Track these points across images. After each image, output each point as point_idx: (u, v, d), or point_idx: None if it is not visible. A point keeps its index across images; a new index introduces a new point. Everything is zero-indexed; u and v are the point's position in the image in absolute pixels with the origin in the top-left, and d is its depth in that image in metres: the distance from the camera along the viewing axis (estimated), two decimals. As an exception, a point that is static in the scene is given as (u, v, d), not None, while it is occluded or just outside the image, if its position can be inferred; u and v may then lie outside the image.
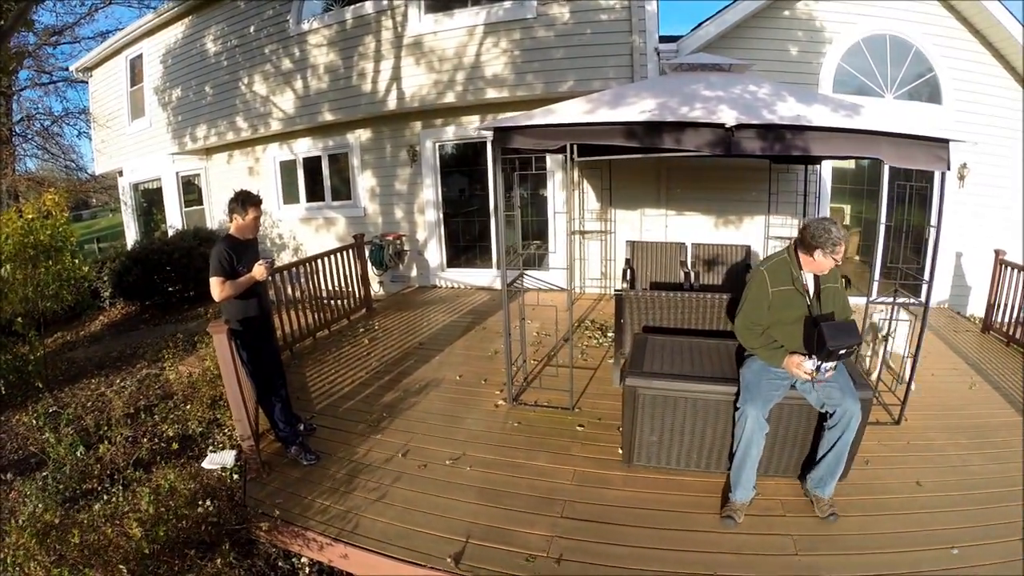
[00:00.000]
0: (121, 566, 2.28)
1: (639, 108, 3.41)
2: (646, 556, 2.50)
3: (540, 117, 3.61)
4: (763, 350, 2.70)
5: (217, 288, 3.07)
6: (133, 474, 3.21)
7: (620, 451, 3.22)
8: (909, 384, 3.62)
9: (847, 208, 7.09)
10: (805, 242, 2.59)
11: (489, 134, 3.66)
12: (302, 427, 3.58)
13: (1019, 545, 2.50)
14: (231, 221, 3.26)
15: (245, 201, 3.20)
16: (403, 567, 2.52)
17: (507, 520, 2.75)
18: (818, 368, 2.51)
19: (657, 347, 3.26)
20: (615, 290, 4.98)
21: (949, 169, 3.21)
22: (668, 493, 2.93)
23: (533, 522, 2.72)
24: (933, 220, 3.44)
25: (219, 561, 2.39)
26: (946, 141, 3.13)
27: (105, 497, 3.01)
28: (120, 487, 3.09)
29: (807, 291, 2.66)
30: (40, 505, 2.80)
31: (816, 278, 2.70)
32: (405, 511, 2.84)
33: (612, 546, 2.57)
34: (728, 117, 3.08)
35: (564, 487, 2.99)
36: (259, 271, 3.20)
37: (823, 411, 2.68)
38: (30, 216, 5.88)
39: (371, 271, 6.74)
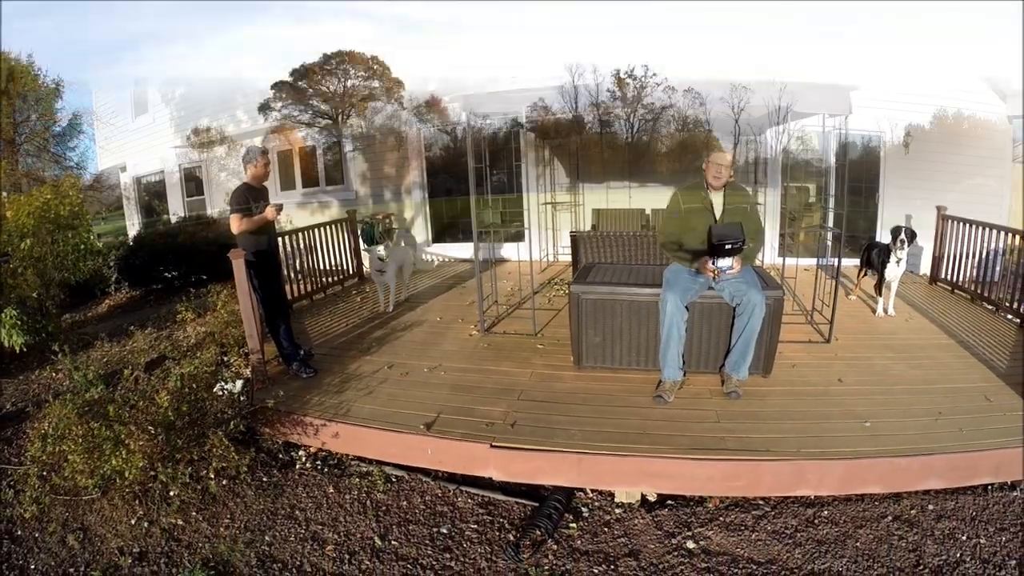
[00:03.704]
0: (150, 427, 2.78)
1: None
2: (587, 422, 3.02)
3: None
4: (679, 254, 3.27)
5: (236, 222, 3.62)
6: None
7: (572, 359, 3.75)
8: (834, 304, 4.14)
9: (811, 187, 7.69)
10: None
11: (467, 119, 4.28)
12: (302, 352, 4.09)
13: (929, 422, 2.89)
14: (246, 172, 3.84)
15: (255, 152, 3.78)
16: (384, 434, 3.05)
17: (473, 402, 3.28)
18: (715, 263, 3.06)
19: (602, 269, 3.82)
20: (570, 232, 5.54)
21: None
22: (610, 384, 3.47)
23: (494, 403, 3.26)
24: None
25: (231, 425, 2.91)
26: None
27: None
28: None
29: (712, 208, 3.26)
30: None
31: (724, 199, 3.27)
32: (389, 400, 3.38)
33: (559, 417, 3.10)
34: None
35: (522, 382, 3.54)
36: (270, 212, 3.77)
37: (734, 304, 3.22)
38: (48, 196, 6.37)
39: (363, 248, 7.25)
